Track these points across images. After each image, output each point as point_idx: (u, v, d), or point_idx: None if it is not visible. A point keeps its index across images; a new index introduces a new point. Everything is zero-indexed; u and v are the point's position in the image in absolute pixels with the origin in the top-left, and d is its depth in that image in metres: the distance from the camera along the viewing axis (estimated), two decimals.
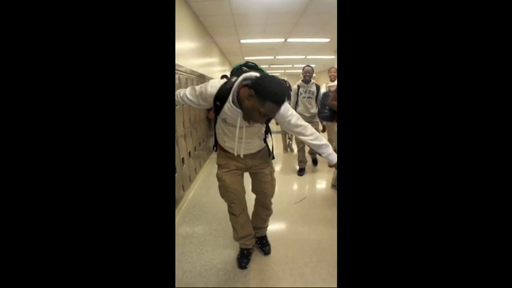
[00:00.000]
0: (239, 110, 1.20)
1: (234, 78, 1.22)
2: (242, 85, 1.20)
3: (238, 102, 1.20)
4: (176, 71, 2.41)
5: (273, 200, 1.67)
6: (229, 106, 1.21)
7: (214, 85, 1.24)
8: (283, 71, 12.58)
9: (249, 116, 1.17)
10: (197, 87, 1.33)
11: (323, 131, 3.29)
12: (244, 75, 1.21)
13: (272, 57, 7.69)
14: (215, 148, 1.56)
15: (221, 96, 1.21)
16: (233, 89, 1.20)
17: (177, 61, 2.51)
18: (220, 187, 1.54)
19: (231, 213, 1.58)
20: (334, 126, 2.96)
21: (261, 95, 1.08)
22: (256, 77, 1.17)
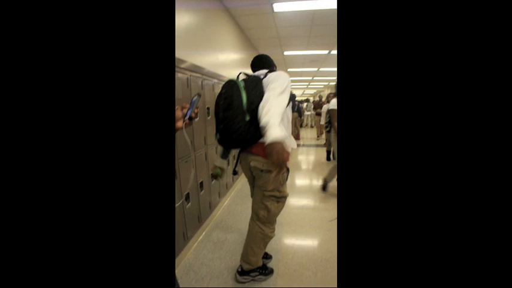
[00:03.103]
0: None
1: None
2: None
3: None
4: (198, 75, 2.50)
5: (307, 215, 1.62)
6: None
7: None
8: (326, 83, 12.36)
9: None
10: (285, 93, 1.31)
11: None
12: None
13: (315, 69, 7.62)
14: (235, 172, 1.66)
15: None
16: None
17: (220, 72, 2.62)
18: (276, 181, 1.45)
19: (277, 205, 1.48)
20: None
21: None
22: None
